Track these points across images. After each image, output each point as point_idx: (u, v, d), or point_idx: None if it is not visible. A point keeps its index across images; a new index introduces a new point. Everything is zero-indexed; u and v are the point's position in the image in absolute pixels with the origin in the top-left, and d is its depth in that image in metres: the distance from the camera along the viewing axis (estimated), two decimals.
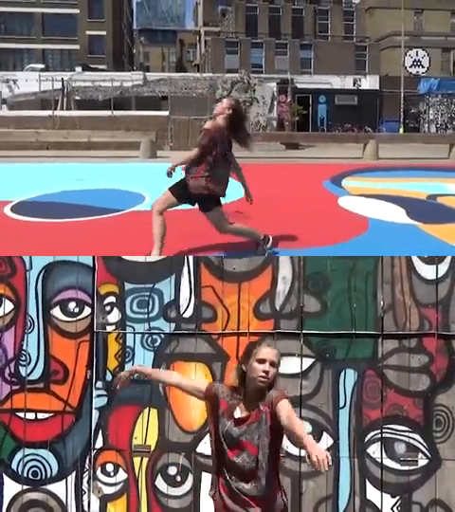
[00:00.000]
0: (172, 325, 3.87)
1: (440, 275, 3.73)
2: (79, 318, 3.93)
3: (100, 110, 24.95)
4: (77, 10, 54.51)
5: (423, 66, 39.69)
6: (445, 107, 34.68)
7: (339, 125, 32.52)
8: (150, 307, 3.89)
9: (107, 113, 23.79)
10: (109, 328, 3.92)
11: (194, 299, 3.86)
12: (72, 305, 3.93)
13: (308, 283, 3.80)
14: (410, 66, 39.38)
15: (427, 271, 3.74)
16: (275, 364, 2.48)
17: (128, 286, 3.91)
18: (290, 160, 17.17)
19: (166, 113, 22.61)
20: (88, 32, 54.68)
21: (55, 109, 25.03)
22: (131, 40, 77.39)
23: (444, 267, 3.73)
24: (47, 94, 27.74)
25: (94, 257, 3.94)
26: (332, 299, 3.78)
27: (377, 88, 38.88)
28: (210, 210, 5.04)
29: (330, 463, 2.10)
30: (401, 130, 32.04)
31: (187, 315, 3.86)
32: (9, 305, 3.94)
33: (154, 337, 3.88)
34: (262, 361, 2.46)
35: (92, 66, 41.44)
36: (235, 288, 3.83)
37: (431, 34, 39.34)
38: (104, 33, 55.35)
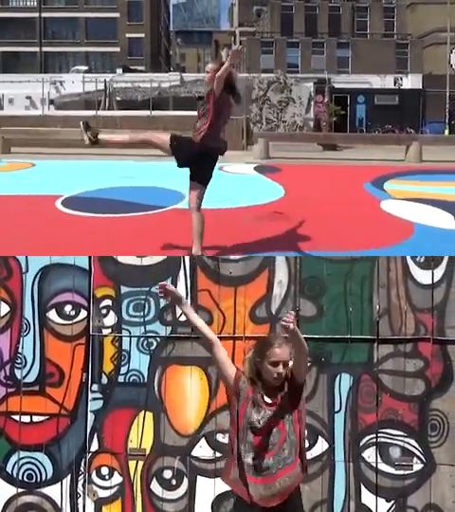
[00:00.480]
0: (169, 329, 3.87)
1: (435, 280, 3.74)
2: (75, 321, 3.93)
3: (140, 110, 25.46)
4: (117, 14, 56.30)
5: None
6: None
7: (379, 126, 31.13)
8: (146, 310, 3.89)
9: (146, 113, 24.19)
10: (105, 331, 3.92)
11: (190, 302, 3.86)
12: (68, 308, 3.93)
13: (304, 287, 3.80)
14: None
15: (423, 276, 3.75)
16: (288, 363, 2.52)
17: (124, 290, 3.91)
18: (328, 162, 16.80)
19: None
20: (128, 35, 56.43)
21: (98, 109, 25.62)
22: (168, 41, 78.99)
23: (439, 272, 3.74)
24: (91, 95, 28.81)
25: (90, 260, 3.94)
26: (328, 303, 3.78)
27: (420, 87, 36.92)
28: (198, 180, 4.90)
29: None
30: (446, 131, 30.77)
31: (183, 318, 3.84)
32: (4, 308, 3.93)
33: (150, 340, 3.88)
34: (275, 364, 2.51)
35: (131, 68, 42.78)
36: (231, 292, 3.84)
37: None
38: (143, 36, 56.85)
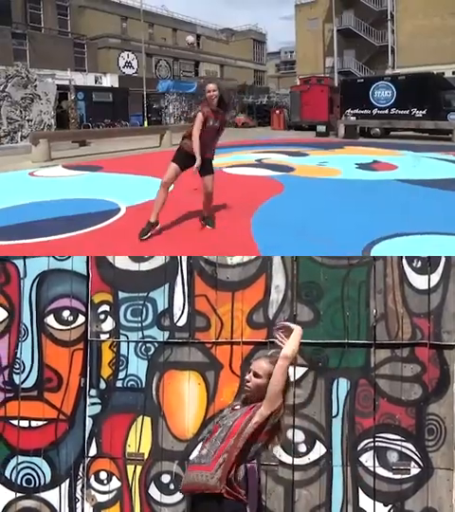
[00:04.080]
0: (166, 334, 3.88)
1: (432, 285, 3.75)
2: (73, 326, 3.93)
3: None
4: None
5: (133, 67, 45.09)
6: (179, 103, 42.00)
7: (100, 121, 34.82)
8: (144, 316, 3.90)
9: None
10: (103, 336, 3.92)
11: (188, 307, 3.87)
12: (66, 314, 3.94)
13: (301, 292, 3.81)
14: (124, 67, 44.35)
15: (420, 281, 3.76)
16: (258, 375, 2.62)
17: (122, 295, 3.92)
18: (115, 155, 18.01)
19: None
20: None
21: None
22: None
23: (436, 278, 3.75)
24: None
25: (88, 265, 3.95)
26: (325, 308, 3.79)
27: (117, 86, 40.76)
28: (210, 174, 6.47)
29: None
30: (145, 123, 35.93)
31: (180, 323, 3.88)
32: (2, 313, 3.94)
33: (148, 345, 3.89)
34: (248, 370, 2.77)
35: None
36: (229, 297, 3.85)
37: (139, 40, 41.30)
38: None
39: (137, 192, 9.42)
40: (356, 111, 26.54)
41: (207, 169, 6.45)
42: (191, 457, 2.66)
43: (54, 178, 12.53)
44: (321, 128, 26.83)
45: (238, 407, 2.72)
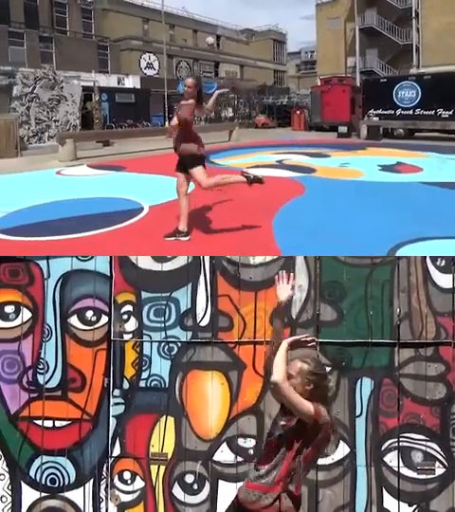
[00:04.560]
0: (189, 334, 3.89)
1: None
2: (96, 326, 3.96)
3: None
4: None
5: (154, 69, 44.75)
6: None
7: (123, 121, 35.15)
8: (166, 316, 3.91)
9: None
10: (126, 336, 3.94)
11: (211, 307, 3.88)
12: (89, 314, 3.96)
13: (324, 291, 3.81)
14: (145, 68, 44.23)
15: (444, 280, 3.74)
16: (291, 376, 2.55)
17: (145, 295, 3.93)
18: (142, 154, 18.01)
19: None
20: None
21: None
22: None
23: None
24: None
25: (111, 266, 3.97)
26: (348, 307, 3.78)
27: (139, 87, 41.03)
28: (196, 167, 6.00)
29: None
30: (166, 123, 35.34)
31: (203, 323, 3.89)
32: (26, 314, 3.97)
33: (171, 345, 3.90)
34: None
35: None
36: (251, 297, 3.85)
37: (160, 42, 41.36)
38: None
39: (160, 192, 9.49)
40: (379, 111, 25.94)
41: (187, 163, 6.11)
42: (250, 474, 2.61)
43: (79, 177, 12.73)
44: (343, 129, 26.45)
45: (284, 422, 2.62)
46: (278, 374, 2.44)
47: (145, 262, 3.97)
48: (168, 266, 3.95)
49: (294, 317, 3.81)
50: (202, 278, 3.90)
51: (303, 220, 7.47)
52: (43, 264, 4.00)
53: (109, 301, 3.96)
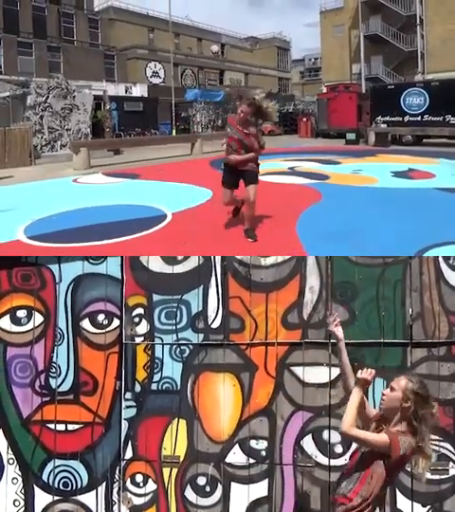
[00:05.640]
0: (201, 336, 3.89)
1: None
2: (108, 329, 3.97)
3: None
4: None
5: (160, 77, 44.77)
6: (206, 112, 42.43)
7: (131, 129, 35.51)
8: (178, 318, 3.92)
9: None
10: (138, 339, 3.95)
11: (222, 309, 3.88)
12: (101, 317, 3.97)
13: (336, 292, 3.80)
14: (151, 77, 44.33)
15: None
16: (393, 388, 2.65)
17: (156, 298, 3.94)
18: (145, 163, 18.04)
19: None
20: None
21: None
22: None
23: None
24: None
25: (122, 268, 3.98)
26: (360, 307, 3.78)
27: (146, 95, 41.42)
28: (255, 184, 6.59)
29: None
30: (174, 132, 36.31)
31: (215, 325, 3.89)
32: (38, 318, 3.99)
33: (183, 347, 3.90)
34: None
35: None
36: (263, 298, 3.85)
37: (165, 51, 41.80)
38: None
39: (180, 199, 9.62)
40: (387, 118, 26.06)
41: (249, 178, 6.62)
42: (338, 489, 2.67)
43: (96, 185, 12.78)
44: (351, 136, 26.41)
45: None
46: (345, 423, 2.57)
47: (156, 264, 3.97)
48: (179, 269, 3.95)
49: (305, 318, 3.81)
50: (213, 279, 3.90)
51: (327, 227, 7.39)
52: (54, 268, 4.02)
53: (120, 304, 3.97)
